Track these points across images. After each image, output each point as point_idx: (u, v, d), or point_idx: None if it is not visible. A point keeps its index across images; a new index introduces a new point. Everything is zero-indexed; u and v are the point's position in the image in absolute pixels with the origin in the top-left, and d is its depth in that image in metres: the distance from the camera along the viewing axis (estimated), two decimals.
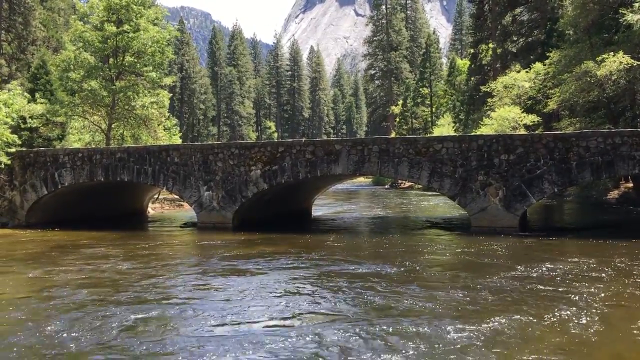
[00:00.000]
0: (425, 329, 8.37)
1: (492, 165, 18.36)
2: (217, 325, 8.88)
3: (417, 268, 13.23)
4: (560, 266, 12.67)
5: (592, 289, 10.48)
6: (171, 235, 21.24)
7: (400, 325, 8.59)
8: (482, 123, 33.75)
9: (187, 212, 28.21)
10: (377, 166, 19.56)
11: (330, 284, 11.55)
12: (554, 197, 30.10)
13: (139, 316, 9.41)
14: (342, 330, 8.42)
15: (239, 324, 8.98)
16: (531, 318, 8.80)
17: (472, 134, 27.54)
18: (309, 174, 20.10)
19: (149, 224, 25.39)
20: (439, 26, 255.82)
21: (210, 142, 24.63)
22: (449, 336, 8.04)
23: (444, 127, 52.12)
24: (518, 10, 45.44)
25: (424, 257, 15.17)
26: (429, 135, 45.52)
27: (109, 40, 28.41)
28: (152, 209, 30.79)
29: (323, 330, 8.44)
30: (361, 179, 67.95)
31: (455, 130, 50.67)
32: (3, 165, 22.47)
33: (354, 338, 8.11)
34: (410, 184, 50.80)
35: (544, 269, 12.42)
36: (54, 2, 53.40)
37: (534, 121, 30.03)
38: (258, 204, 22.03)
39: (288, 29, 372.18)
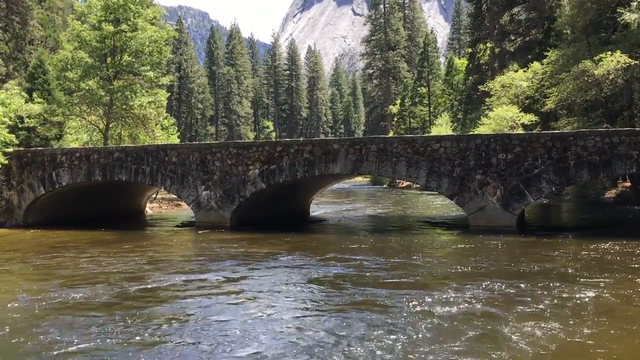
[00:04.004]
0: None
1: (490, 164, 18.36)
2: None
3: (419, 264, 13.25)
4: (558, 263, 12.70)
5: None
6: (169, 235, 21.18)
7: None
8: (479, 122, 33.79)
9: (185, 211, 28.18)
10: (375, 166, 19.55)
11: (329, 280, 11.56)
12: (551, 197, 30.11)
13: (134, 316, 9.41)
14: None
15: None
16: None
17: (470, 133, 27.53)
18: (307, 174, 20.08)
19: (147, 224, 25.33)
20: (437, 25, 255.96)
21: (208, 142, 24.66)
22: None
23: (442, 127, 52.13)
24: (516, 9, 45.45)
25: (426, 254, 15.17)
26: (426, 134, 45.50)
27: (106, 40, 28.37)
28: (150, 209, 30.75)
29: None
30: (359, 179, 67.87)
31: (453, 130, 50.72)
32: (0, 165, 22.44)
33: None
34: (408, 183, 50.85)
35: (542, 264, 12.46)
36: (52, 1, 53.38)
37: (531, 120, 30.04)
38: (256, 204, 21.99)
39: (286, 29, 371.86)
